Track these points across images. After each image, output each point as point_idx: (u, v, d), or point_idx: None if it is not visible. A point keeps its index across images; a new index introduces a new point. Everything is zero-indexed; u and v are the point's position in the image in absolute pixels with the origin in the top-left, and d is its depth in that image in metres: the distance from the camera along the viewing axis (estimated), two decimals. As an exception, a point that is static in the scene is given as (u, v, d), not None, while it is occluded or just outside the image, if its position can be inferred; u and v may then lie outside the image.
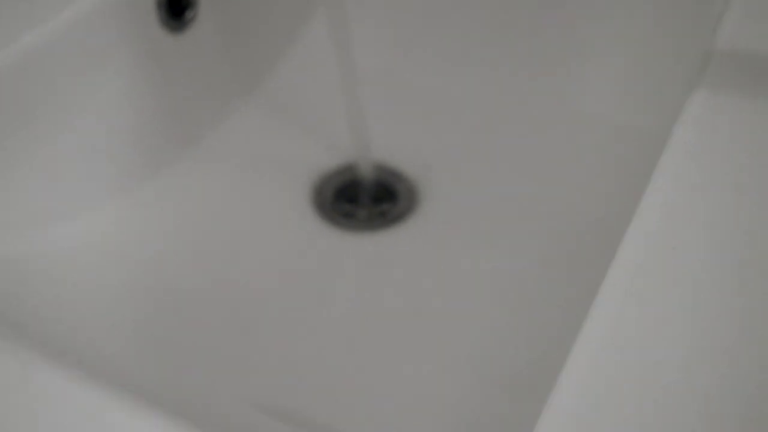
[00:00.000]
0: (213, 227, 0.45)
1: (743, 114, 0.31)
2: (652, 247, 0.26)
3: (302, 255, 0.44)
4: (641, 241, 0.26)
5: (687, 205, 0.27)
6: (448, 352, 0.39)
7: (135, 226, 0.43)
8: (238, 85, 0.51)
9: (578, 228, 0.44)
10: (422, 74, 0.53)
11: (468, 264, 0.43)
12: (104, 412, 0.23)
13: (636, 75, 0.49)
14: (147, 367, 0.37)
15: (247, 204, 0.46)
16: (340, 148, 0.49)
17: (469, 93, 0.52)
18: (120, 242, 0.42)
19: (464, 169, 0.48)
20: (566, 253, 0.43)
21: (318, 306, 0.41)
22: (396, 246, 0.45)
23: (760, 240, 0.26)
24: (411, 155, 0.49)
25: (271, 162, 0.49)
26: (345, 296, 0.43)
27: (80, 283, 0.39)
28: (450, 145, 0.50)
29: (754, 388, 0.22)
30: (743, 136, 0.30)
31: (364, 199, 0.47)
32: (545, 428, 0.21)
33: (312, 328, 0.40)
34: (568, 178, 0.47)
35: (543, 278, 0.42)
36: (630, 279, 0.25)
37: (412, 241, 0.45)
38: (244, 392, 0.37)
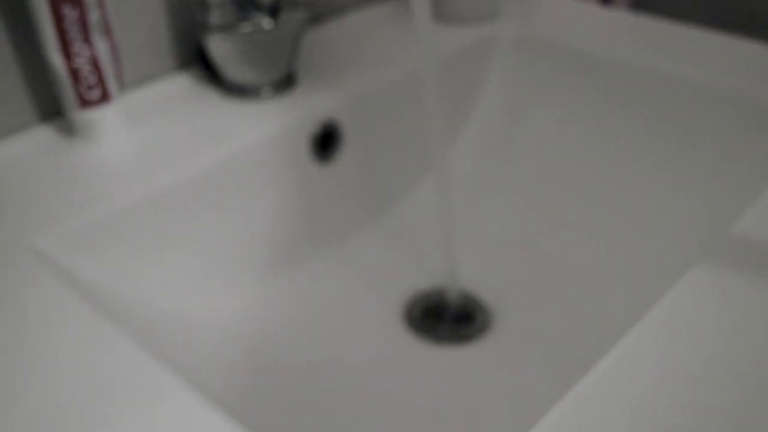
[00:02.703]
0: (320, 322, 0.55)
1: None
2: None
3: (389, 359, 0.53)
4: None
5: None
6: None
7: (260, 308, 0.54)
8: (365, 210, 0.62)
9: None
10: (506, 215, 0.63)
11: (531, 381, 0.51)
12: None
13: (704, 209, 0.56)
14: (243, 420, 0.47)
15: (351, 307, 0.57)
16: (434, 273, 0.59)
17: (542, 233, 0.61)
18: (245, 318, 0.53)
19: (537, 297, 0.57)
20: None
21: (397, 403, 0.50)
22: (470, 360, 0.53)
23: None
24: (491, 283, 0.58)
25: (377, 277, 0.59)
26: (421, 398, 0.52)
27: (207, 342, 0.50)
28: (525, 274, 0.59)
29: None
30: None
31: (447, 318, 0.56)
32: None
33: (391, 421, 0.49)
34: (633, 305, 0.54)
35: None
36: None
37: (485, 357, 0.53)
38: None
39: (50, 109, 0.55)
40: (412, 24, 0.57)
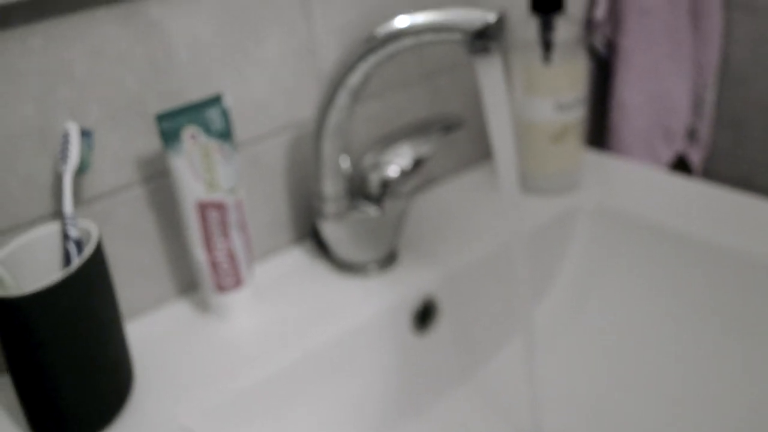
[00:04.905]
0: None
1: None
2: None
3: None
4: None
5: None
6: None
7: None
8: (458, 372, 0.68)
9: None
10: (585, 375, 0.68)
11: None
12: None
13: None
14: None
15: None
16: (521, 429, 0.64)
17: (621, 396, 0.65)
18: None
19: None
20: None
21: None
22: None
23: None
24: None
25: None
26: None
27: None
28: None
29: None
30: None
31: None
32: None
33: None
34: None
35: None
36: None
37: None
38: None
39: (187, 285, 0.64)
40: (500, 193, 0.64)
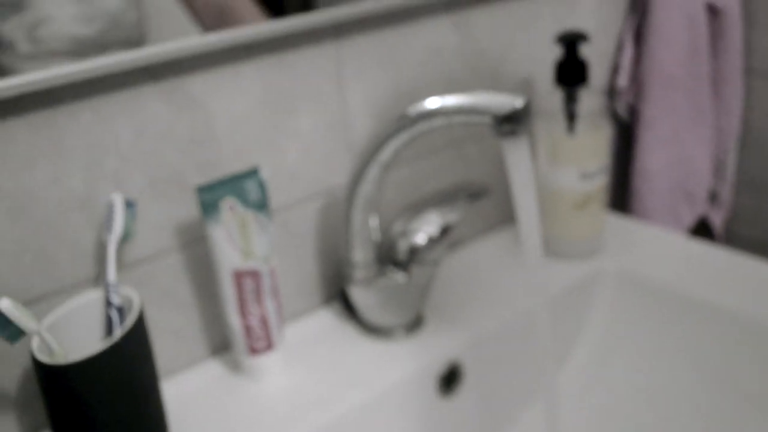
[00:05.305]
0: None
1: None
2: None
3: None
4: None
5: None
6: None
7: None
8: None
9: None
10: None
11: None
12: None
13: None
14: None
15: None
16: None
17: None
18: None
19: None
20: None
21: None
22: None
23: None
24: None
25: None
26: None
27: None
28: None
29: None
30: None
31: None
32: None
33: None
34: None
35: None
36: None
37: None
38: None
39: (219, 345, 0.66)
40: (524, 261, 0.66)
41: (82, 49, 0.52)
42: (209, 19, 0.58)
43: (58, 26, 0.51)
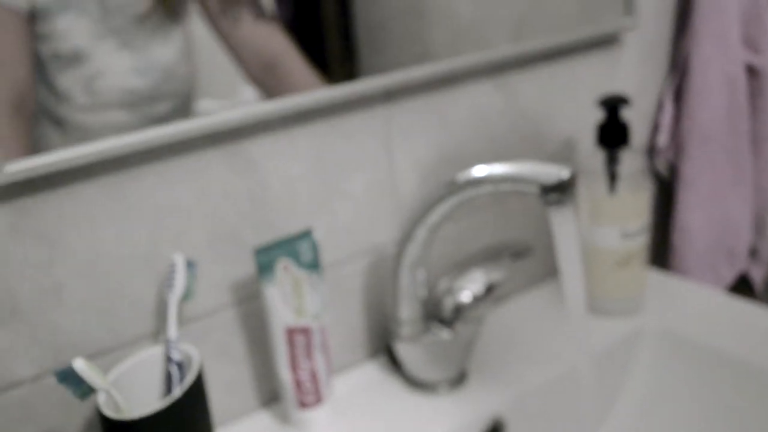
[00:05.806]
0: None
1: None
2: None
3: None
4: None
5: None
6: None
7: None
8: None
9: None
10: None
11: None
12: None
13: None
14: None
15: None
16: None
17: None
18: None
19: None
20: None
21: None
22: None
23: None
24: None
25: None
26: None
27: None
28: None
29: None
30: None
31: None
32: None
33: None
34: None
35: None
36: None
37: None
38: None
39: (269, 397, 0.68)
40: (568, 320, 0.67)
41: (135, 101, 0.54)
42: (256, 71, 0.60)
43: (114, 79, 0.53)
